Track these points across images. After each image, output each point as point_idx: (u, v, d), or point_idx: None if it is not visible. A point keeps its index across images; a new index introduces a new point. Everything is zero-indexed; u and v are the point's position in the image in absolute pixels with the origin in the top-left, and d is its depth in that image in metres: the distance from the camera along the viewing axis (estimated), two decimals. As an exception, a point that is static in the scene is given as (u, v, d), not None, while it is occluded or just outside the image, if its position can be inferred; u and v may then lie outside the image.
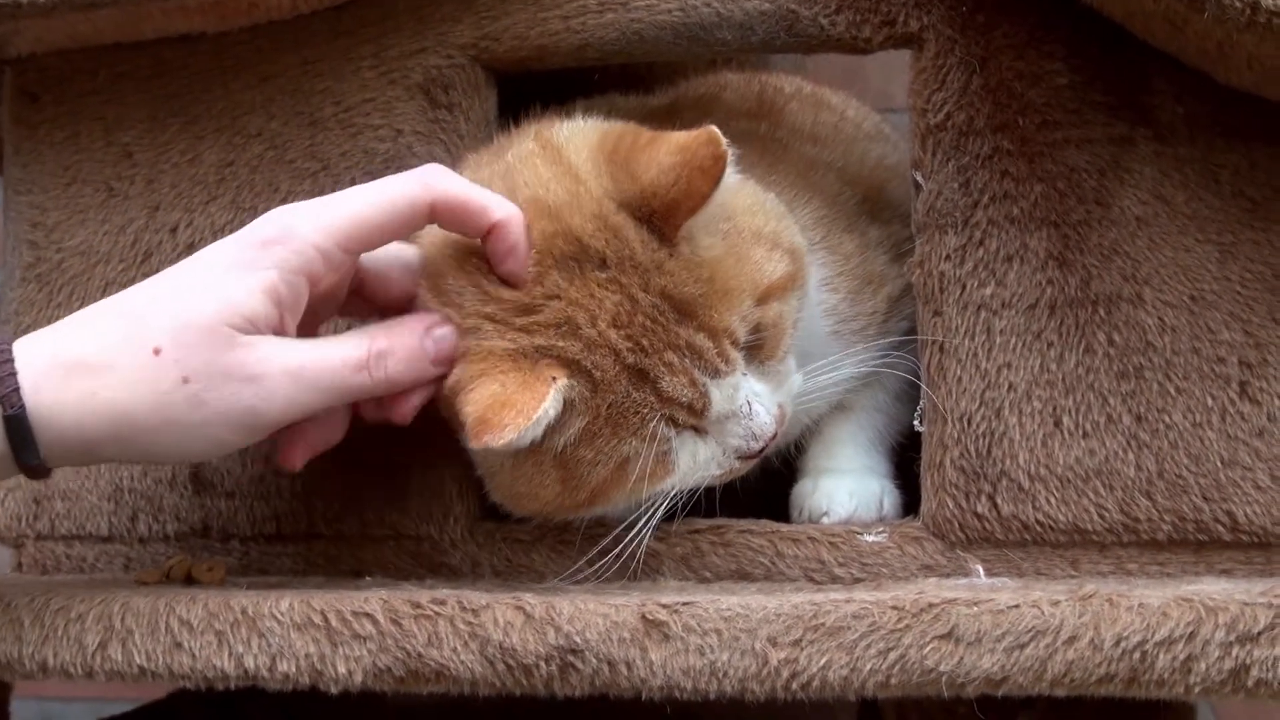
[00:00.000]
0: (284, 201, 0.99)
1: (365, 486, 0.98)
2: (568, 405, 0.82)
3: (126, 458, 0.89)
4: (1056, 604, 0.75)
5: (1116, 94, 0.91)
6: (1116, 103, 0.91)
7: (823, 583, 0.92)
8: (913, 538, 0.92)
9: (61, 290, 1.04)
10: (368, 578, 0.97)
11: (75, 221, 1.04)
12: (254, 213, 0.99)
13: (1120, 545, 0.90)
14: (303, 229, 0.81)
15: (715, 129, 0.83)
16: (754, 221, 0.89)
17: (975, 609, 0.75)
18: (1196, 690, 0.73)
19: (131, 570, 1.01)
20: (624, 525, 0.89)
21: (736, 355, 0.86)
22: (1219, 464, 0.88)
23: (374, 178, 0.97)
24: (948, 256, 0.92)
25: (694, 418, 0.85)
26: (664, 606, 0.78)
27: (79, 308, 1.01)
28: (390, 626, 0.80)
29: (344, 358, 0.82)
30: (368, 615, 0.80)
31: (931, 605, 0.76)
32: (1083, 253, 0.91)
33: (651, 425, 0.83)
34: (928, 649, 0.75)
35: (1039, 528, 0.90)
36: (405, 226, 0.84)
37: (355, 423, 0.90)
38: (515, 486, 0.88)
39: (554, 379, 0.81)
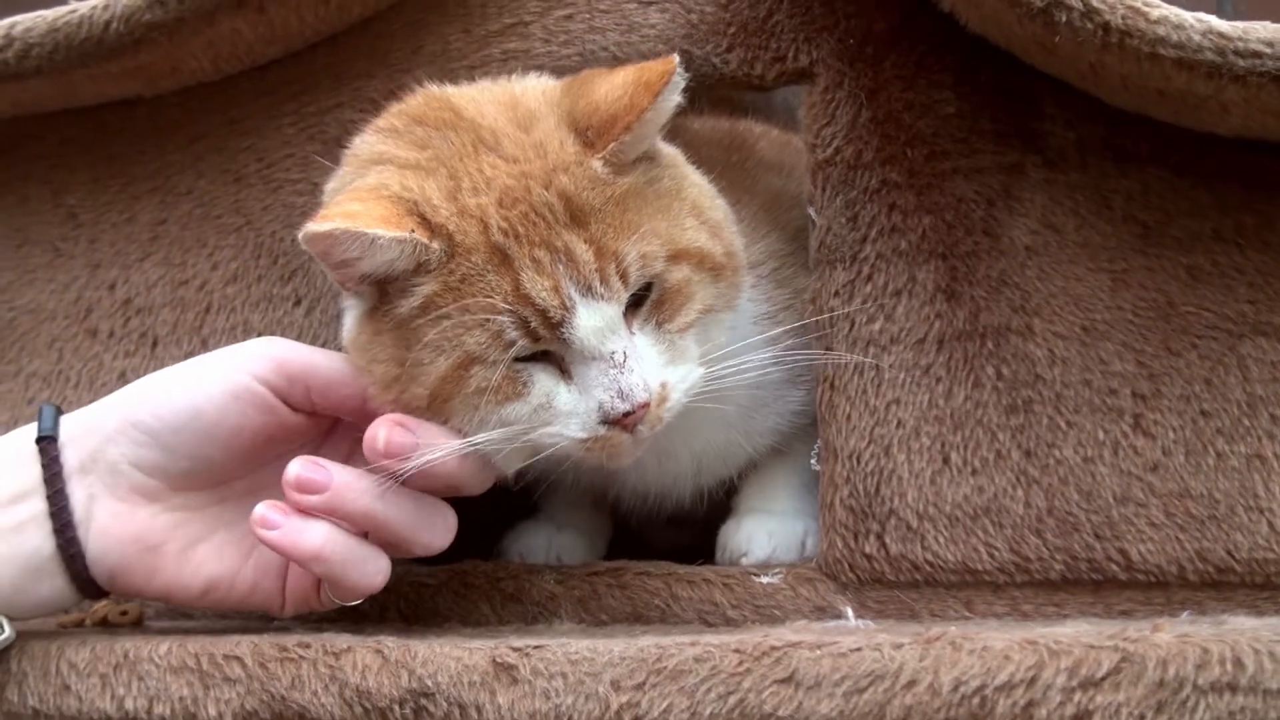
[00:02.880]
0: (211, 258, 1.04)
1: (280, 532, 0.99)
2: (419, 267, 0.80)
3: (129, 417, 0.84)
4: (899, 647, 0.73)
5: (1006, 121, 0.90)
6: (1006, 130, 0.89)
7: (716, 625, 0.91)
8: (806, 579, 0.91)
9: (12, 346, 1.08)
10: (275, 621, 0.98)
11: (25, 281, 1.09)
12: (183, 268, 1.04)
13: (1014, 585, 0.87)
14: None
15: (676, 56, 0.83)
16: (698, 197, 0.88)
17: (817, 652, 0.73)
18: (1039, 737, 0.70)
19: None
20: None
21: (619, 286, 0.81)
22: (1111, 500, 0.85)
23: (293, 231, 1.01)
24: (836, 292, 0.91)
25: (549, 331, 0.80)
26: (514, 650, 0.78)
27: (28, 364, 1.07)
28: (257, 669, 0.81)
29: None
30: (237, 658, 0.82)
31: (774, 649, 0.74)
32: (971, 285, 0.89)
33: (499, 320, 0.79)
34: (767, 693, 0.73)
35: (929, 568, 0.87)
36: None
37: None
38: (365, 357, 0.84)
39: (412, 230, 0.79)
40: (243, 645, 0.82)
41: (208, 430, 0.83)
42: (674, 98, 0.84)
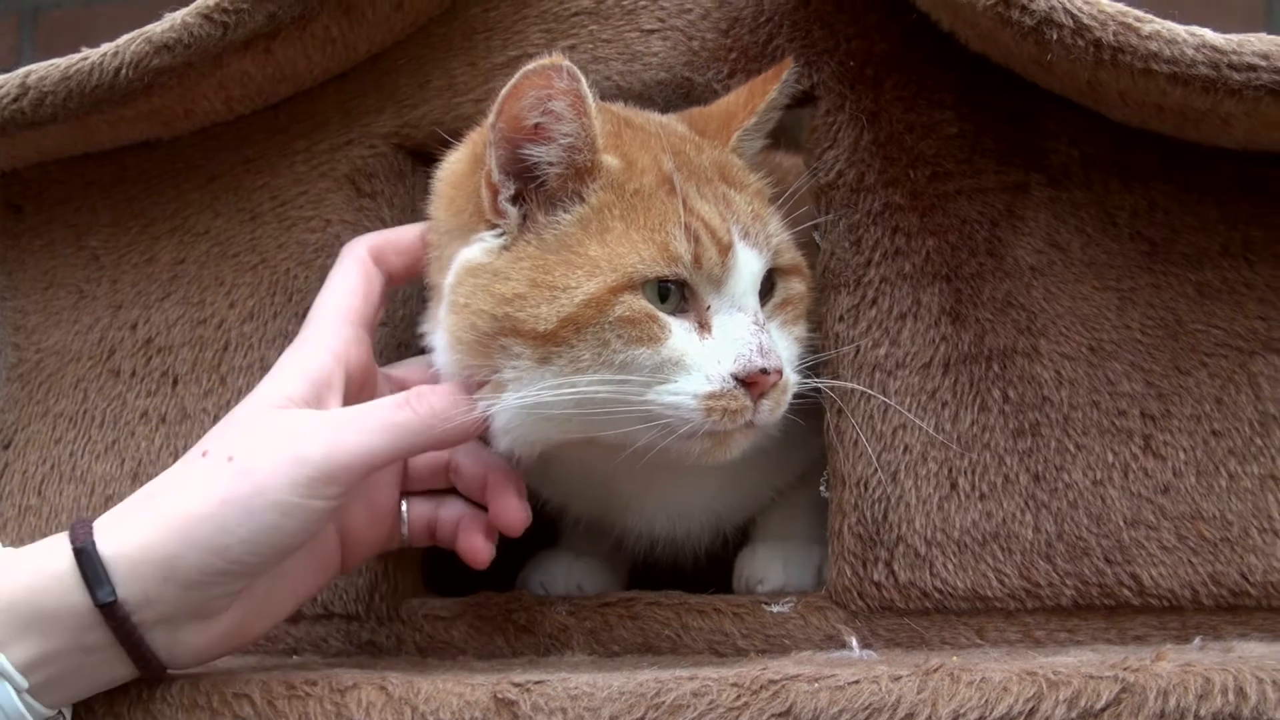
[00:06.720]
0: (229, 296, 1.05)
1: (297, 566, 1.00)
2: (587, 172, 0.82)
3: (208, 565, 0.79)
4: (898, 679, 0.72)
5: (1009, 140, 0.88)
6: (1009, 149, 0.88)
7: (726, 655, 0.90)
8: (816, 608, 0.90)
9: (40, 388, 1.10)
10: (295, 657, 0.99)
11: (51, 323, 1.10)
12: (202, 307, 1.05)
13: (1026, 612, 0.85)
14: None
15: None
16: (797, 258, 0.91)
17: (815, 685, 0.73)
18: (1039, 770, 0.69)
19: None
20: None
21: (765, 245, 0.84)
22: (1121, 524, 0.83)
23: (307, 269, 1.02)
24: (841, 317, 0.90)
25: (719, 254, 0.80)
26: (516, 685, 0.78)
27: (55, 405, 1.09)
28: (265, 707, 0.81)
29: (383, 401, 0.83)
30: (246, 696, 0.82)
31: (772, 682, 0.73)
32: (976, 307, 0.87)
33: (670, 230, 0.80)
34: (765, 727, 0.73)
35: (938, 595, 0.86)
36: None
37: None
38: (480, 282, 0.82)
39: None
40: (252, 684, 0.82)
41: (275, 549, 0.82)
42: (787, 89, 0.90)
